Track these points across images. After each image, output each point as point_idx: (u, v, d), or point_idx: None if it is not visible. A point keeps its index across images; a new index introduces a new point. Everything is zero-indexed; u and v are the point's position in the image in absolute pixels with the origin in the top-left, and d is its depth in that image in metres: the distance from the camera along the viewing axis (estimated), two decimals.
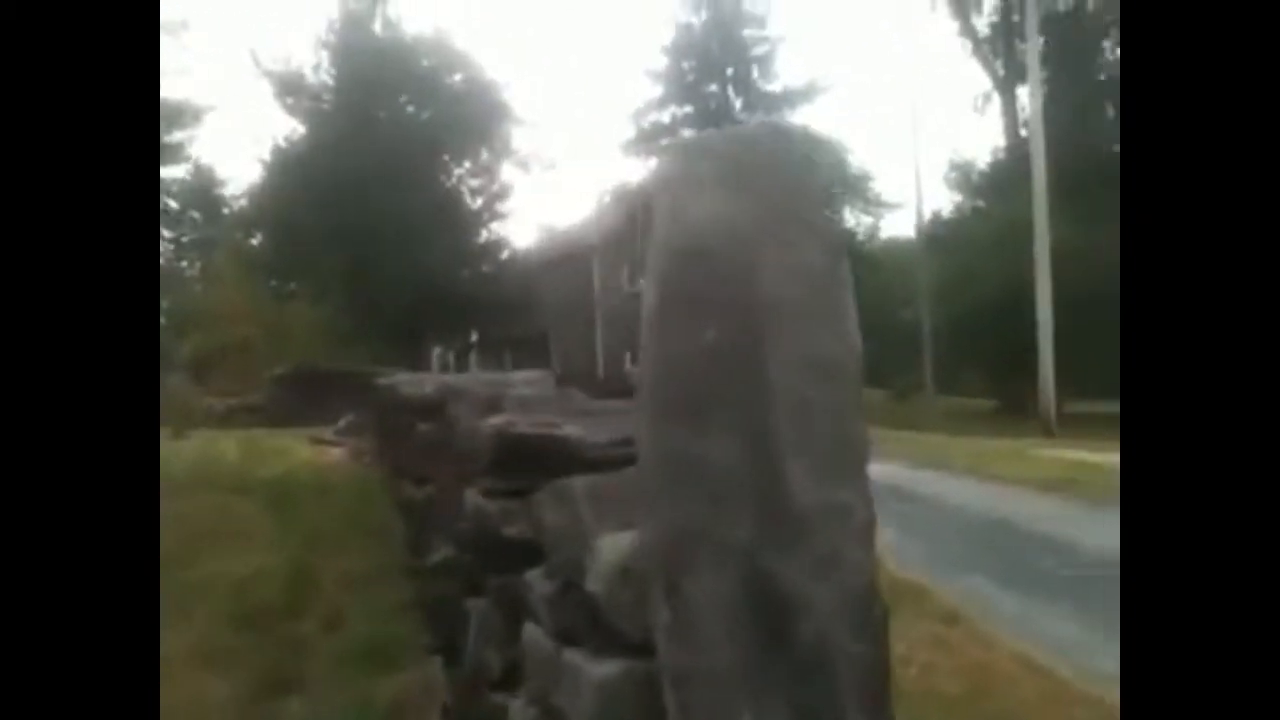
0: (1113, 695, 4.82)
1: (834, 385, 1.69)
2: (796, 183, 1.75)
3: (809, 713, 1.66)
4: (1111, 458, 13.74)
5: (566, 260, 30.50)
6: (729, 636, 1.65)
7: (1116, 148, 27.84)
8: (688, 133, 27.37)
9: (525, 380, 5.07)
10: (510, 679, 2.97)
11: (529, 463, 2.86)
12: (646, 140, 28.43)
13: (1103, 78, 29.92)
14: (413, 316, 25.31)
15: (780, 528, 1.65)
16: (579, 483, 2.48)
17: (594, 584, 2.22)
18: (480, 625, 3.20)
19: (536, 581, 2.63)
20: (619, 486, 2.52)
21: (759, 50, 27.72)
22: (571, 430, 2.77)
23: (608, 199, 30.25)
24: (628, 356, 31.06)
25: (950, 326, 29.27)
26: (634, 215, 26.61)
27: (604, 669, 2.18)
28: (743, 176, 1.72)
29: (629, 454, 2.73)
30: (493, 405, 4.13)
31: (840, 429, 1.70)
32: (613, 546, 2.24)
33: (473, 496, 3.10)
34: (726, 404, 1.66)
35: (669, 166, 1.79)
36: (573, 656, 2.37)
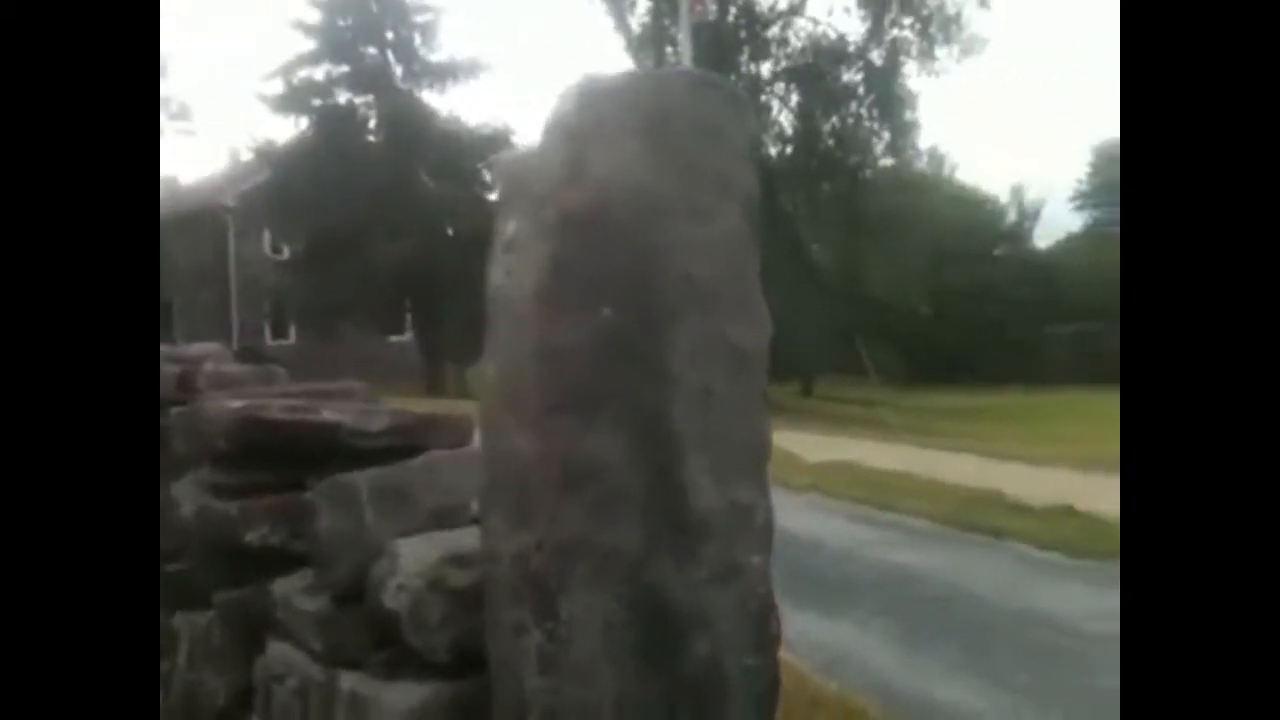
0: (789, 657, 5.20)
1: (741, 377, 1.53)
2: (718, 138, 1.53)
3: None
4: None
5: (194, 221, 27.57)
6: (610, 661, 1.45)
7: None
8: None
9: (204, 353, 4.42)
10: (241, 707, 2.53)
11: (280, 455, 2.43)
12: (296, 97, 26.38)
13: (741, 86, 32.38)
14: None
15: (675, 534, 1.47)
16: (362, 479, 2.12)
17: (394, 599, 1.91)
18: (195, 645, 2.69)
19: (294, 595, 2.22)
20: (402, 483, 2.20)
21: (422, 17, 26.80)
22: (333, 415, 2.38)
23: (247, 156, 27.63)
24: (267, 330, 28.81)
25: None
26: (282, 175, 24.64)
27: (407, 696, 1.88)
28: (656, 128, 1.48)
29: (408, 445, 2.41)
30: (185, 383, 3.54)
31: (744, 424, 1.55)
32: (415, 555, 1.94)
33: (193, 495, 2.58)
34: (619, 395, 1.45)
35: (566, 112, 1.51)
36: (355, 682, 2.03)
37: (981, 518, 8.47)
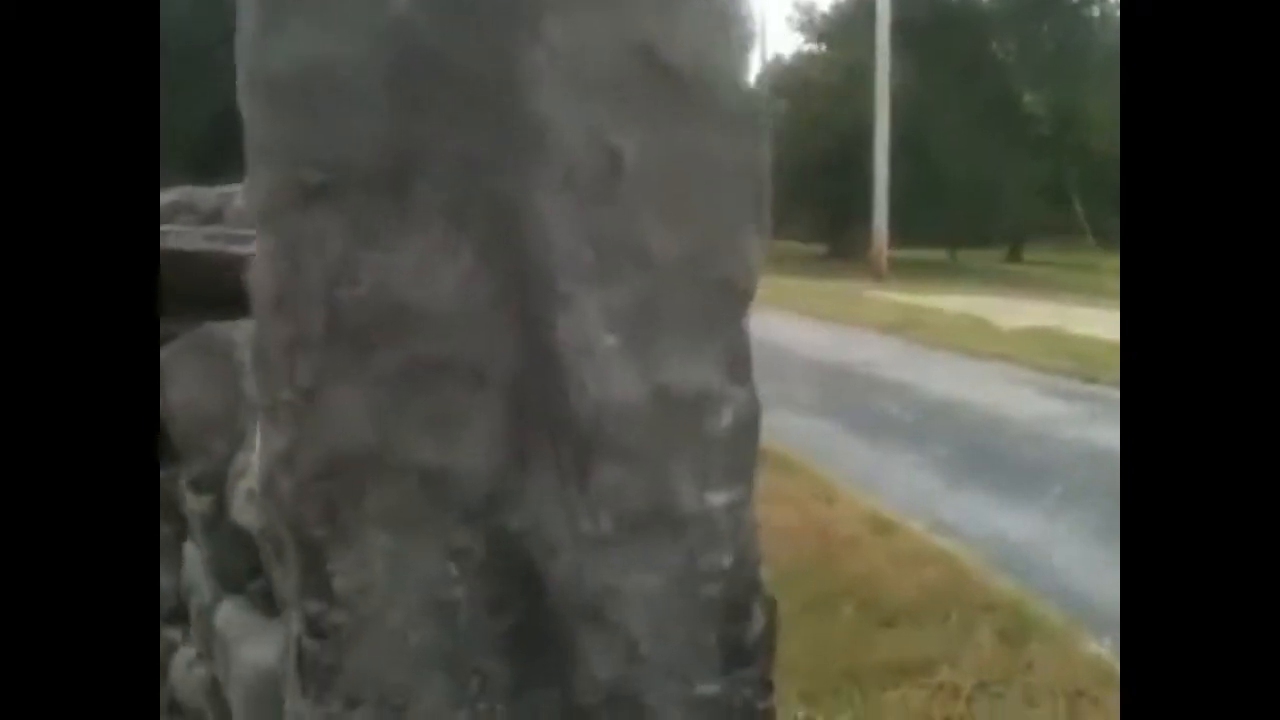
0: (962, 550, 4.43)
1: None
2: None
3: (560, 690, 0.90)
4: (943, 301, 13.76)
5: None
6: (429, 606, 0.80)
7: None
8: None
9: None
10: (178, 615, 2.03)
11: (197, 298, 1.83)
12: None
13: None
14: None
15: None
16: (239, 332, 1.48)
17: (242, 512, 1.30)
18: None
19: (189, 490, 1.65)
20: None
21: None
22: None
23: None
24: None
25: (789, 171, 29.28)
26: None
27: (264, 649, 1.27)
28: None
29: None
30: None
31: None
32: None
33: None
34: None
35: None
36: (227, 617, 1.45)
37: None
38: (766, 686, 1.01)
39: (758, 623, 0.99)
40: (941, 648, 3.30)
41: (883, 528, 4.78)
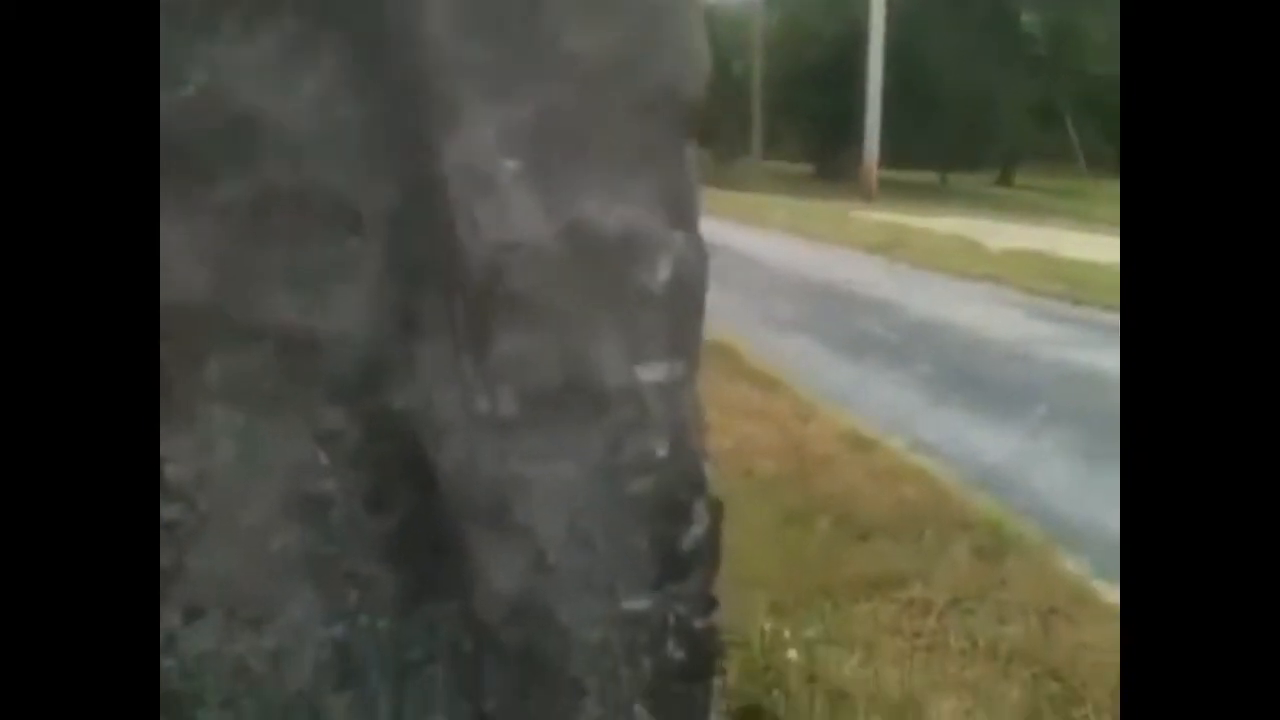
0: (941, 468, 4.36)
1: None
2: None
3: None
4: (932, 223, 13.59)
5: None
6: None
7: None
8: None
9: None
10: None
11: None
12: None
13: None
14: None
15: None
16: None
17: None
18: None
19: None
20: None
21: None
22: None
23: None
24: None
25: (778, 83, 28.76)
26: None
27: None
28: None
29: None
30: None
31: None
32: None
33: None
34: None
35: None
36: None
37: None
38: (707, 602, 0.87)
39: (698, 526, 0.84)
40: (915, 563, 3.24)
41: (862, 445, 4.70)
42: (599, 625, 0.80)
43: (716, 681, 0.86)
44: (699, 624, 0.86)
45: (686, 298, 0.82)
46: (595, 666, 0.82)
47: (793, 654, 2.64)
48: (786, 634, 2.73)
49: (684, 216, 0.83)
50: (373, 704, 0.81)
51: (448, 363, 0.73)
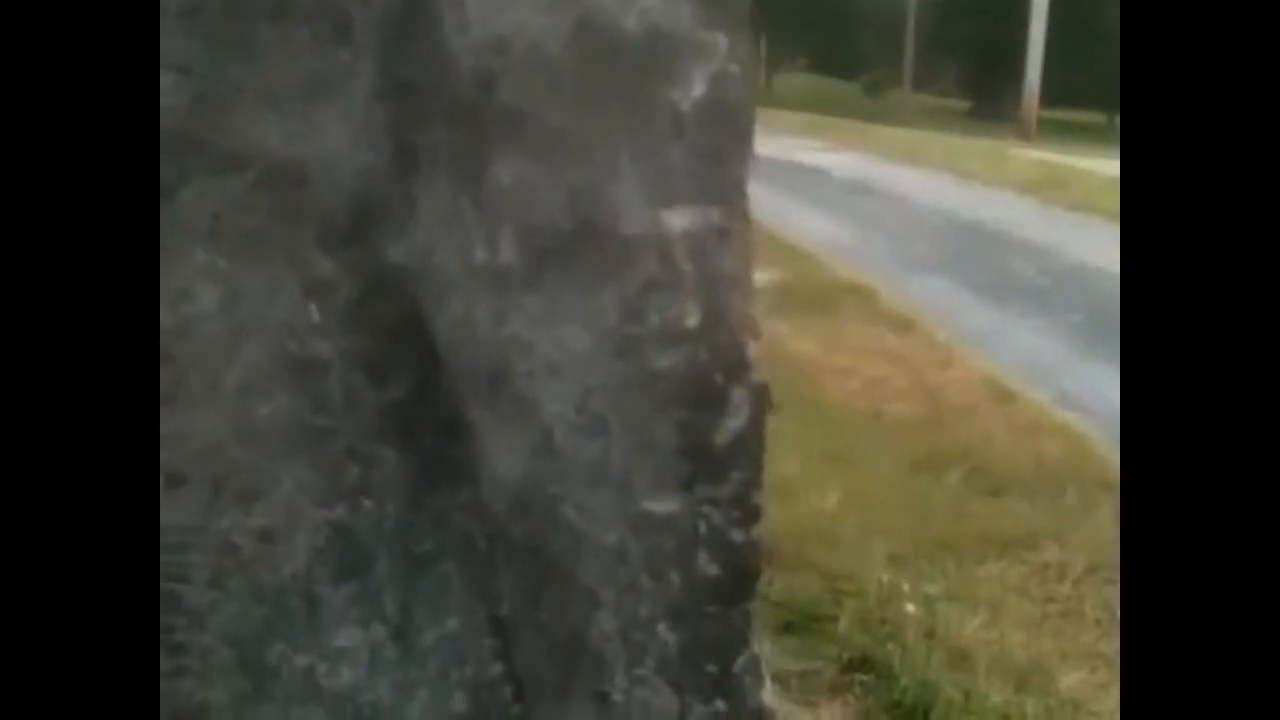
0: (1087, 424, 4.08)
1: None
2: None
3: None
4: (1094, 164, 12.72)
5: None
6: None
7: None
8: None
9: None
10: None
11: None
12: None
13: None
14: None
15: None
16: None
17: None
18: None
19: None
20: None
21: None
22: None
23: None
24: None
25: (934, 16, 27.40)
26: None
27: None
28: None
29: None
30: None
31: None
32: None
33: None
34: None
35: None
36: None
37: None
38: (748, 511, 0.73)
39: (735, 418, 0.69)
40: (1051, 524, 3.03)
41: (1002, 395, 4.46)
42: (615, 527, 0.69)
43: (753, 606, 0.74)
44: (737, 537, 0.72)
45: (727, 123, 0.65)
46: (611, 576, 0.71)
47: (911, 608, 2.51)
48: (905, 587, 2.60)
49: (726, 14, 0.66)
50: (378, 599, 0.74)
51: (447, 205, 0.62)
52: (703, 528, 0.69)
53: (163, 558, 0.70)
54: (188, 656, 0.74)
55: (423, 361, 0.66)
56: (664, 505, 0.67)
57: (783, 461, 3.66)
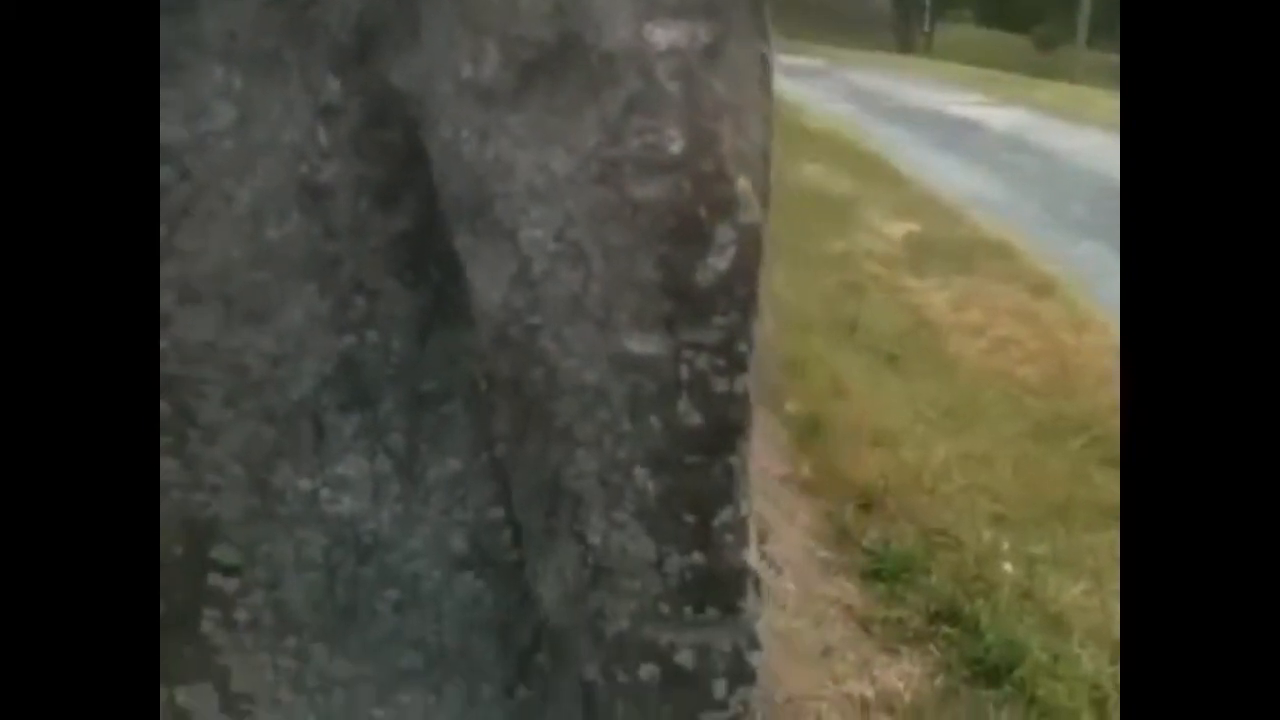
0: None
1: None
2: None
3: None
4: None
5: None
6: None
7: None
8: None
9: None
10: None
11: None
12: None
13: None
14: None
15: None
16: None
17: None
18: None
19: None
20: None
21: None
22: None
23: None
24: None
25: None
26: None
27: None
28: None
29: None
30: None
31: None
32: None
33: None
34: None
35: None
36: None
37: None
38: (733, 359, 0.70)
39: (720, 258, 0.66)
40: None
41: None
42: (593, 363, 0.68)
43: (737, 461, 0.72)
44: (720, 386, 0.69)
45: None
46: (590, 414, 0.70)
47: (1009, 567, 2.45)
48: (1005, 546, 2.53)
49: None
50: (384, 433, 0.77)
51: (450, 25, 0.62)
52: (685, 373, 0.68)
53: (178, 368, 0.74)
54: (201, 470, 0.79)
55: (428, 193, 0.67)
56: (644, 345, 0.66)
57: (897, 412, 3.59)
